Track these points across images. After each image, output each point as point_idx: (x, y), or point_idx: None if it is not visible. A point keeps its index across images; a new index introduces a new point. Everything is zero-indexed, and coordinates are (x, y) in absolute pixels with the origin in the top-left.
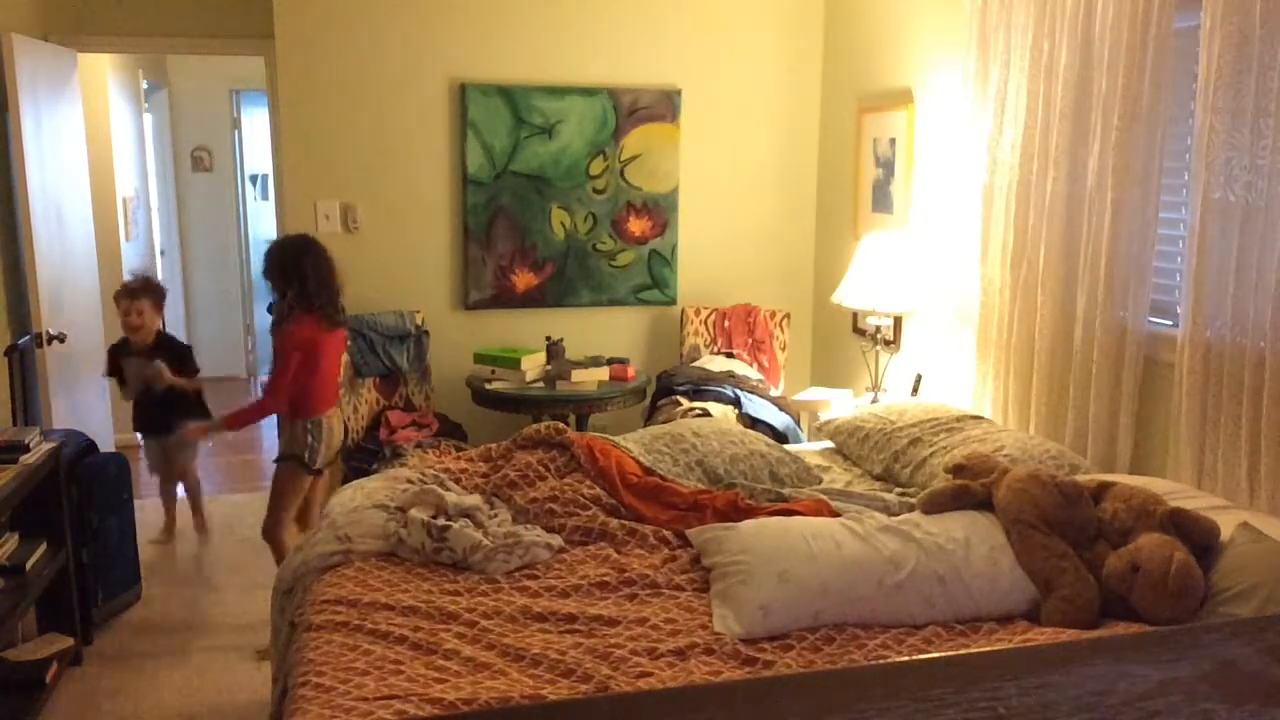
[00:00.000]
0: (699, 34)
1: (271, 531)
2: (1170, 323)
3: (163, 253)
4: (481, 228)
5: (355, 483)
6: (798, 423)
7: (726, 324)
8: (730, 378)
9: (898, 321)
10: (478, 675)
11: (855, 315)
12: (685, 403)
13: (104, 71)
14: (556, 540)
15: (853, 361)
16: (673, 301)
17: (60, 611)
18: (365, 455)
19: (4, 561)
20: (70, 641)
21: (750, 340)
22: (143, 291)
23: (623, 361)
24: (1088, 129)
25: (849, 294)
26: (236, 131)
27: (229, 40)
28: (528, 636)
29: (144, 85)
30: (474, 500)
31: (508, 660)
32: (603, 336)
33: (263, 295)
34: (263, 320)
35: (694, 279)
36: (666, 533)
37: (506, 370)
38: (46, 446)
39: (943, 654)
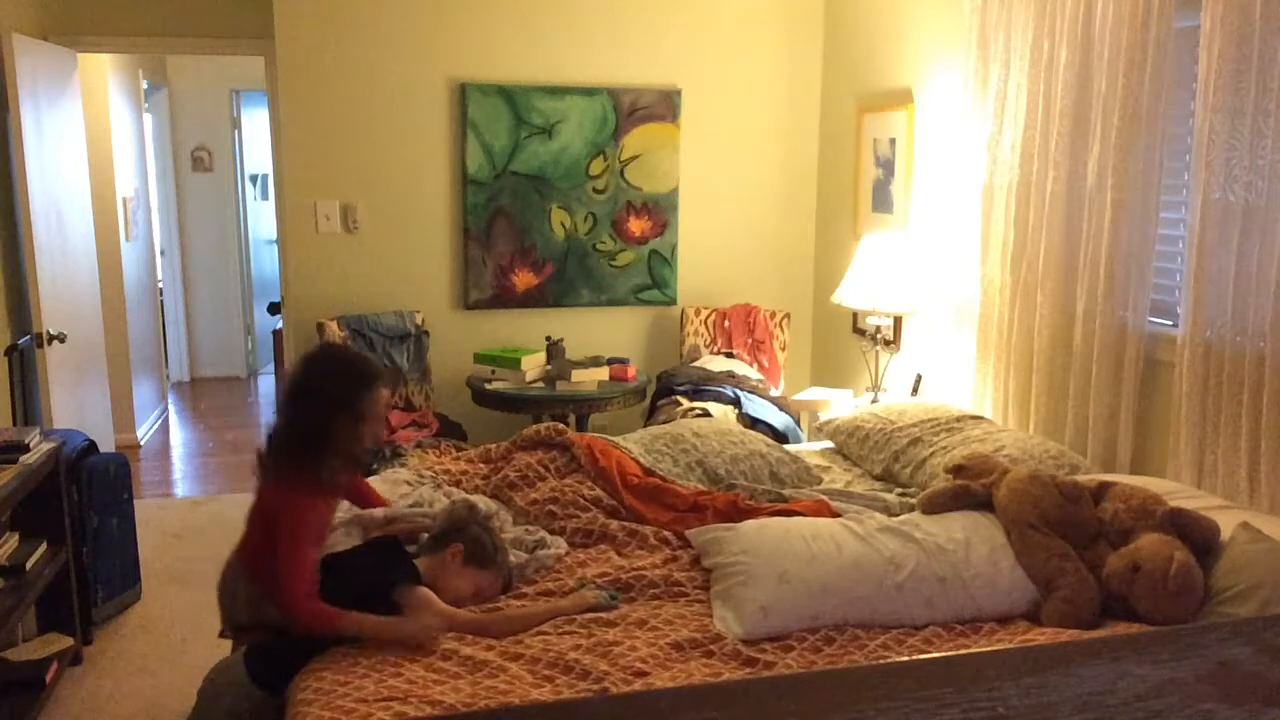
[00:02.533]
0: (699, 34)
1: None
2: (1170, 323)
3: (163, 253)
4: (481, 228)
5: None
6: (798, 423)
7: (726, 324)
8: (730, 378)
9: (898, 321)
10: (477, 675)
11: (855, 315)
12: (685, 403)
13: (104, 71)
14: (563, 548)
15: (853, 361)
16: (673, 301)
17: (60, 611)
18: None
19: (4, 561)
20: (70, 641)
21: (750, 340)
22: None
23: (623, 361)
24: (1088, 129)
25: (849, 294)
26: (236, 131)
27: (229, 40)
28: (527, 637)
29: (144, 85)
30: (492, 506)
31: (506, 660)
32: (603, 336)
33: (262, 295)
34: (263, 320)
35: (694, 279)
36: (667, 534)
37: (506, 370)
38: (46, 446)
39: (943, 654)
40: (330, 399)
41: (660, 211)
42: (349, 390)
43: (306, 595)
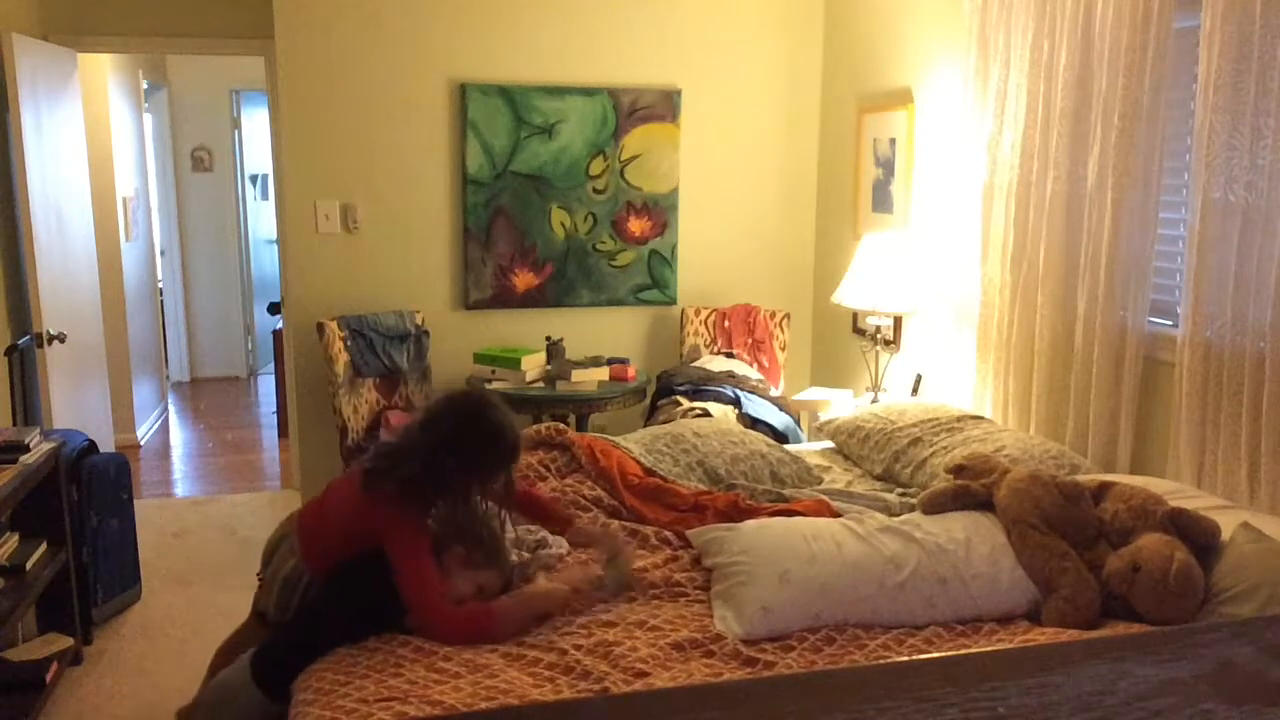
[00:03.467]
0: (699, 34)
1: None
2: (1170, 323)
3: (163, 253)
4: (481, 228)
5: None
6: (798, 423)
7: (726, 324)
8: (730, 378)
9: (898, 321)
10: (477, 675)
11: (855, 315)
12: (685, 403)
13: (104, 71)
14: (564, 548)
15: (853, 361)
16: (673, 301)
17: (60, 611)
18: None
19: (4, 561)
20: (70, 641)
21: (750, 340)
22: None
23: (623, 361)
24: (1088, 129)
25: (849, 294)
26: (236, 131)
27: (229, 40)
28: (527, 637)
29: (144, 85)
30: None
31: (507, 660)
32: (603, 336)
33: (262, 295)
34: (263, 320)
35: (694, 279)
36: (668, 534)
37: (506, 370)
38: (46, 446)
39: (943, 654)
40: (473, 465)
41: (660, 211)
42: (493, 463)
43: (446, 604)
